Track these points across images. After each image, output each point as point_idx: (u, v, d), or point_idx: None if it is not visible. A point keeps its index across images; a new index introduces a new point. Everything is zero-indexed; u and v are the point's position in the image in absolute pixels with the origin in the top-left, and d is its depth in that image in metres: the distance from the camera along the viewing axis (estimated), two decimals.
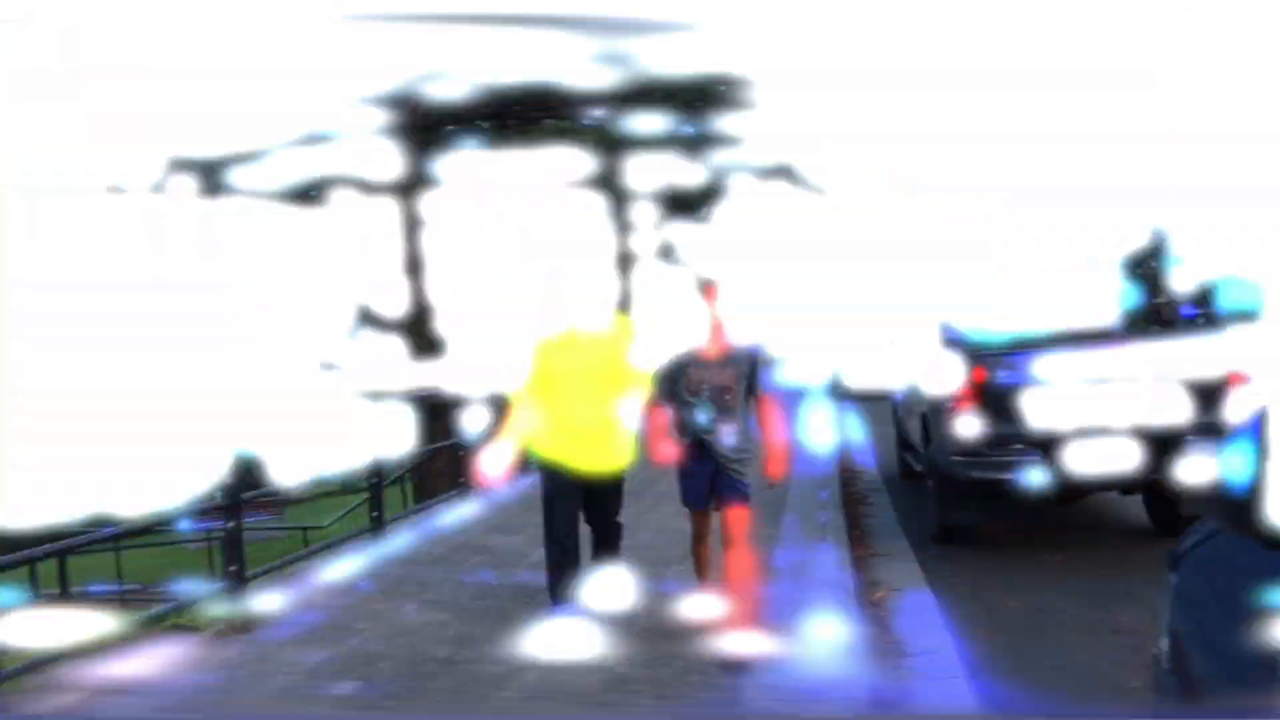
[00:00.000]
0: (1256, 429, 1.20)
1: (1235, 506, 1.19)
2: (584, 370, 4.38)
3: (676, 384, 4.23)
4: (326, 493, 21.56)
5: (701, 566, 4.60)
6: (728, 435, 4.16)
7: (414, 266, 13.99)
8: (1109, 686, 4.18)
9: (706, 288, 4.27)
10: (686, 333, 4.27)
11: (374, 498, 6.80)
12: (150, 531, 9.26)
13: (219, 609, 4.87)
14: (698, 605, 4.43)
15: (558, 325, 4.51)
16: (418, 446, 12.53)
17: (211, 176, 12.02)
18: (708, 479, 4.24)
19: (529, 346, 4.53)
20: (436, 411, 13.35)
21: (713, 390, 4.16)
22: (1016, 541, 7.07)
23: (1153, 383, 5.98)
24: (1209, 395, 5.95)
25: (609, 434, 4.43)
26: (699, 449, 4.21)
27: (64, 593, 8.38)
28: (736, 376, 4.20)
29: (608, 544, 4.73)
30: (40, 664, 4.04)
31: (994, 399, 6.13)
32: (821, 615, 4.78)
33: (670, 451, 4.25)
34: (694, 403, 4.16)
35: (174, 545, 14.07)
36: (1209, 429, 5.88)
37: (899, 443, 9.62)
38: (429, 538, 7.04)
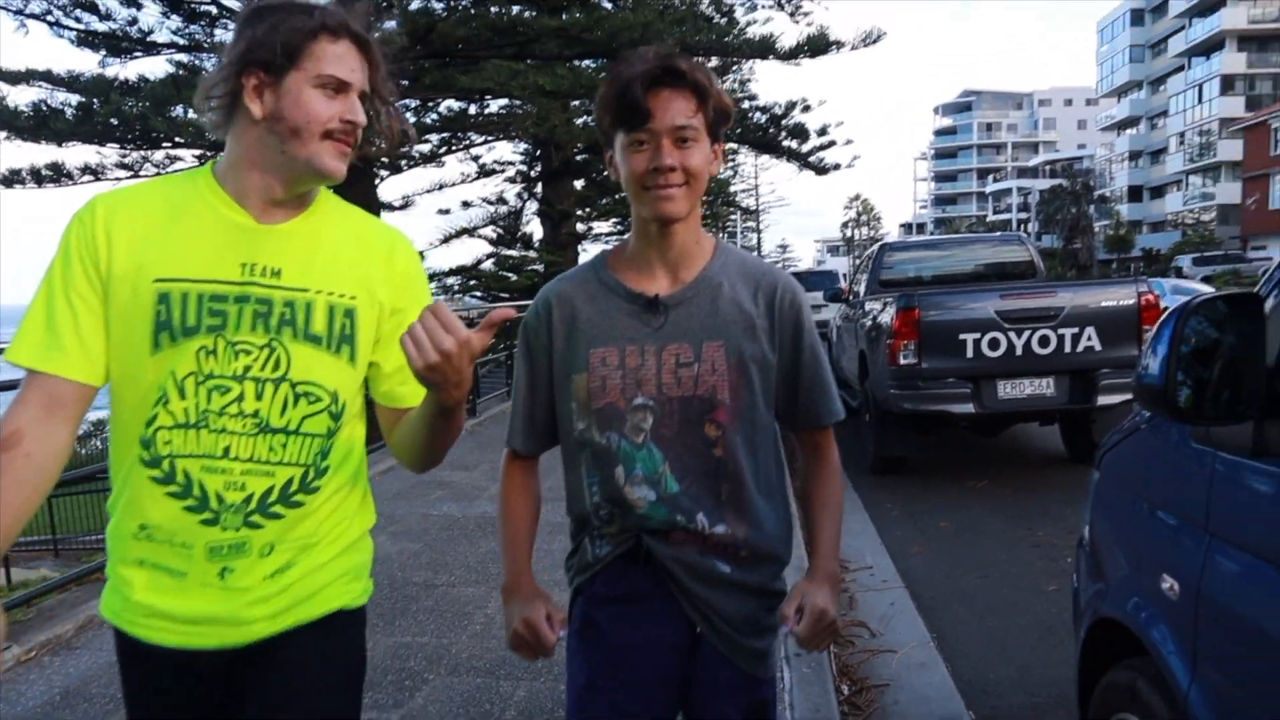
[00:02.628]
0: (1172, 324, 1.52)
1: (1151, 391, 1.50)
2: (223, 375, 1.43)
3: (545, 390, 1.63)
4: None
5: None
6: (714, 521, 1.55)
7: None
8: (1029, 590, 4.65)
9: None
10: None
11: None
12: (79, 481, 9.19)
13: None
14: None
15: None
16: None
17: None
18: (657, 670, 1.58)
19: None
20: None
21: (667, 410, 1.53)
22: (946, 470, 7.55)
23: (1070, 319, 6.42)
24: (1124, 330, 6.42)
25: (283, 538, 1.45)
26: (627, 571, 1.58)
27: None
28: (738, 363, 1.54)
29: None
30: None
31: (928, 336, 6.52)
32: None
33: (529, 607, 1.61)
34: (608, 444, 1.54)
35: (101, 494, 13.95)
36: (1123, 362, 6.38)
37: (835, 379, 10.04)
38: (386, 475, 7.23)
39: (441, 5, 16.29)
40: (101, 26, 13.02)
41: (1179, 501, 1.79)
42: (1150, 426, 1.99)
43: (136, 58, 13.90)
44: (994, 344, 6.43)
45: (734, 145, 24.00)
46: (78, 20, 12.79)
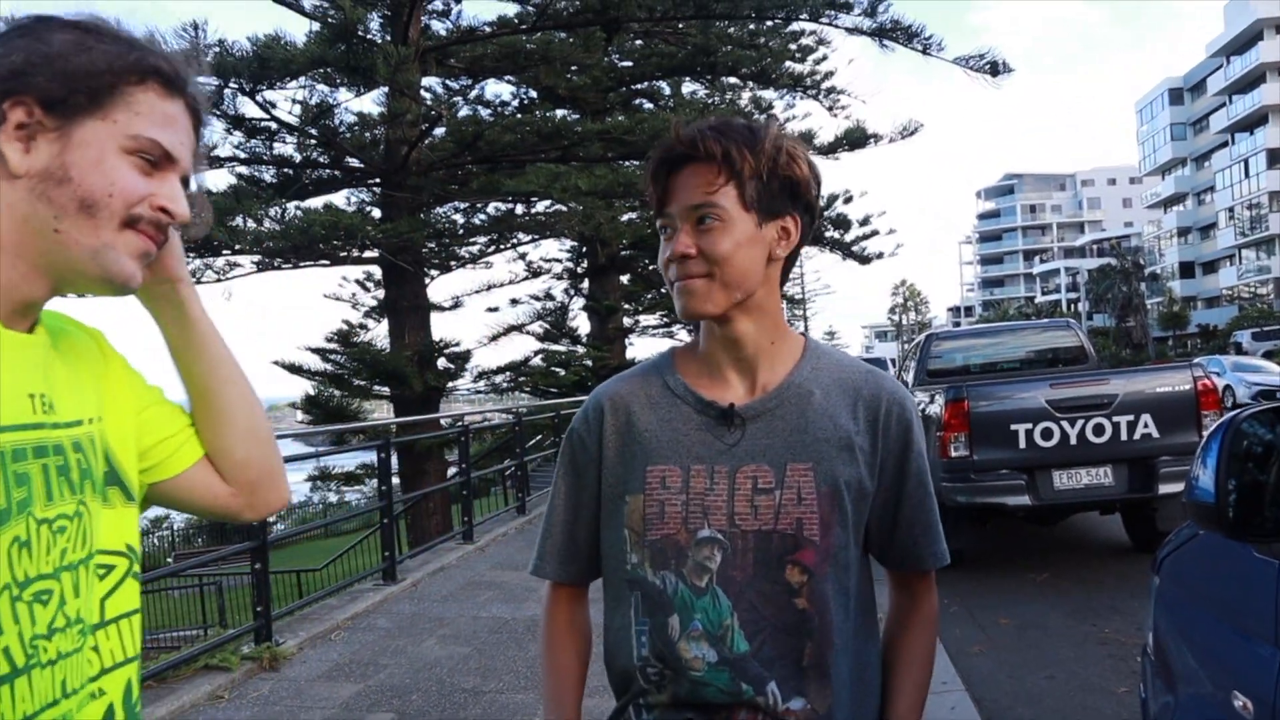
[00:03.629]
0: (1220, 437, 1.49)
1: (1204, 509, 1.47)
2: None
3: (591, 508, 1.38)
4: (309, 538, 21.65)
5: None
6: (790, 694, 1.24)
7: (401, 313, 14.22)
8: (1098, 692, 4.46)
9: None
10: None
11: (385, 537, 6.99)
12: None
13: (248, 648, 5.05)
14: None
15: None
16: (406, 490, 12.74)
17: None
18: None
19: None
20: (421, 456, 13.58)
21: (740, 546, 1.25)
22: (1005, 562, 7.34)
23: (1124, 406, 6.30)
24: (1181, 416, 6.28)
25: None
26: None
27: None
28: (831, 492, 1.27)
29: None
30: None
31: (978, 427, 6.43)
32: None
33: None
34: (662, 586, 1.27)
35: (159, 593, 14.13)
36: (1182, 449, 6.22)
37: None
38: (436, 576, 7.23)
39: (489, 113, 16.94)
40: None
41: (1245, 614, 1.73)
42: (1210, 532, 1.93)
43: (201, 171, 14.54)
44: (1047, 434, 6.31)
45: None
46: None
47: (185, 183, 1.00)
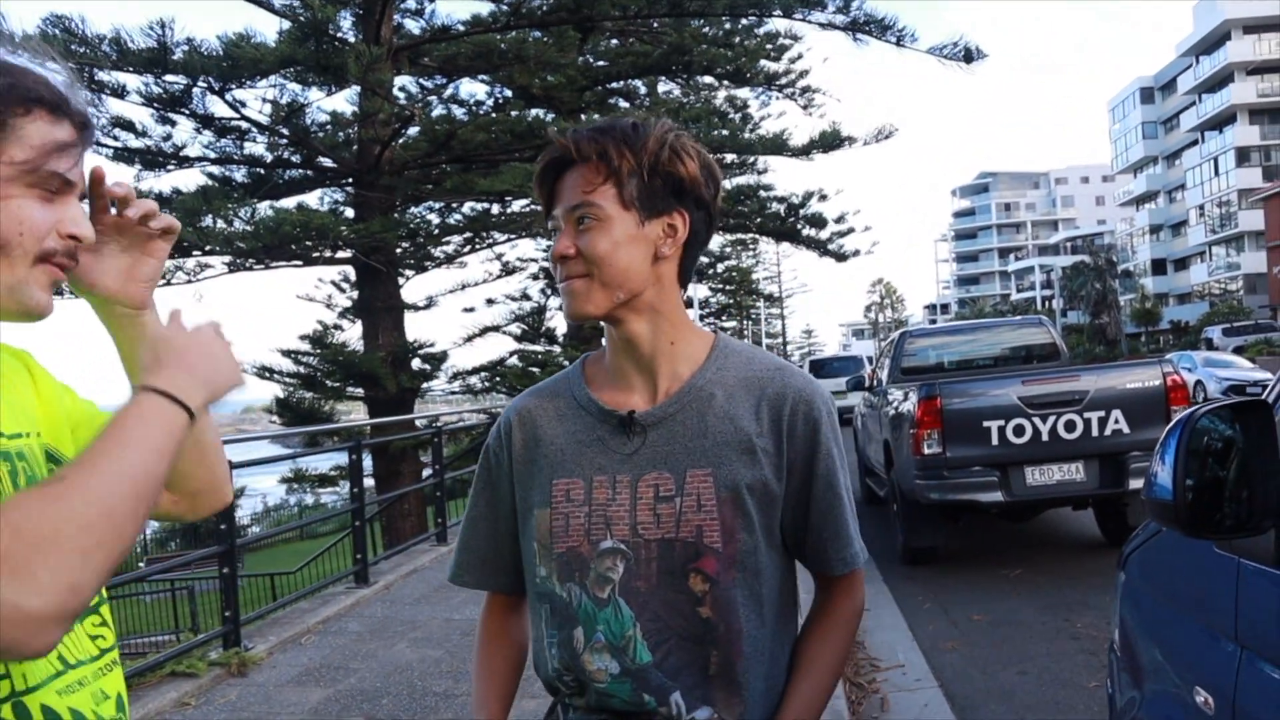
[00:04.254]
0: (1178, 434, 1.48)
1: (1162, 506, 1.46)
2: None
3: (509, 520, 1.38)
4: (284, 540, 21.49)
5: None
6: (695, 702, 1.23)
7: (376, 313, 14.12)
8: (1069, 687, 4.48)
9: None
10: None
11: (357, 540, 6.92)
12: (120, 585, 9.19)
13: (216, 654, 4.98)
14: None
15: None
16: (381, 491, 12.65)
17: None
18: None
19: None
20: (395, 457, 13.48)
21: (643, 556, 1.24)
22: (978, 558, 7.37)
23: (1095, 402, 6.34)
24: (1151, 411, 6.33)
25: None
26: None
27: None
28: (732, 498, 1.24)
29: None
30: None
31: (951, 424, 6.45)
32: None
33: None
34: (568, 599, 1.26)
35: (131, 598, 13.96)
36: (1152, 444, 6.26)
37: (861, 469, 9.94)
38: (409, 578, 7.17)
39: (463, 112, 16.84)
40: (137, 143, 13.53)
41: (1207, 609, 1.73)
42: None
43: (170, 171, 14.40)
44: (1019, 430, 6.34)
45: (754, 235, 24.28)
46: (115, 138, 13.31)
47: (82, 197, 1.00)
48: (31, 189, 0.93)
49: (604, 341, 1.35)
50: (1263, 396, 1.46)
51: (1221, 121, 58.76)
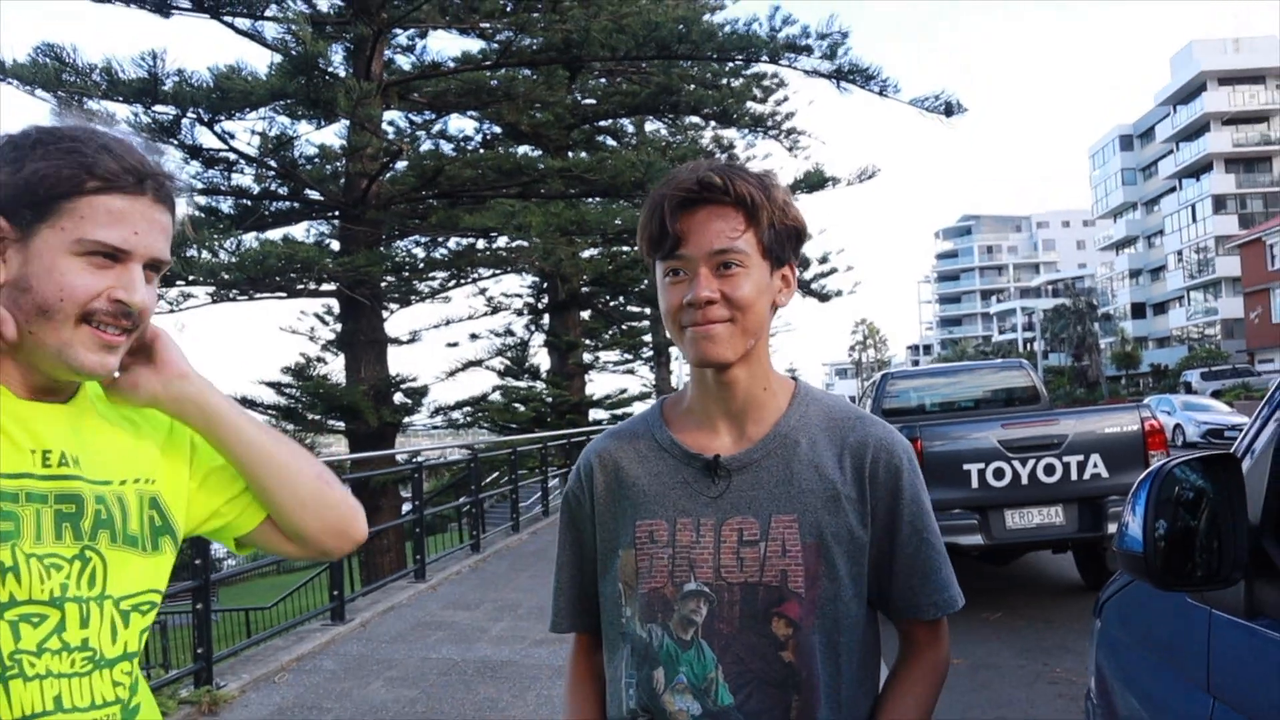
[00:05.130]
0: (1148, 485, 1.50)
1: (1133, 558, 1.47)
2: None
3: (594, 564, 1.38)
4: (260, 574, 21.18)
5: None
6: None
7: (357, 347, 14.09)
8: None
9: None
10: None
11: (334, 576, 6.84)
12: None
13: (186, 691, 4.90)
14: None
15: None
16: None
17: None
18: None
19: None
20: (375, 492, 13.39)
21: (725, 599, 1.25)
22: None
23: (1074, 446, 6.38)
24: (1129, 456, 6.37)
25: None
26: None
27: None
28: (817, 544, 1.25)
29: None
30: None
31: (931, 467, 6.46)
32: None
33: None
34: (648, 640, 1.27)
35: None
36: (1130, 488, 6.29)
37: None
38: (386, 615, 7.09)
39: (451, 148, 16.95)
40: None
41: (1180, 659, 1.73)
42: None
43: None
44: (999, 473, 6.37)
45: None
46: None
47: (157, 266, 1.08)
48: (79, 257, 1.01)
49: (662, 386, 1.37)
50: (1231, 450, 1.48)
51: (1198, 169, 59.79)
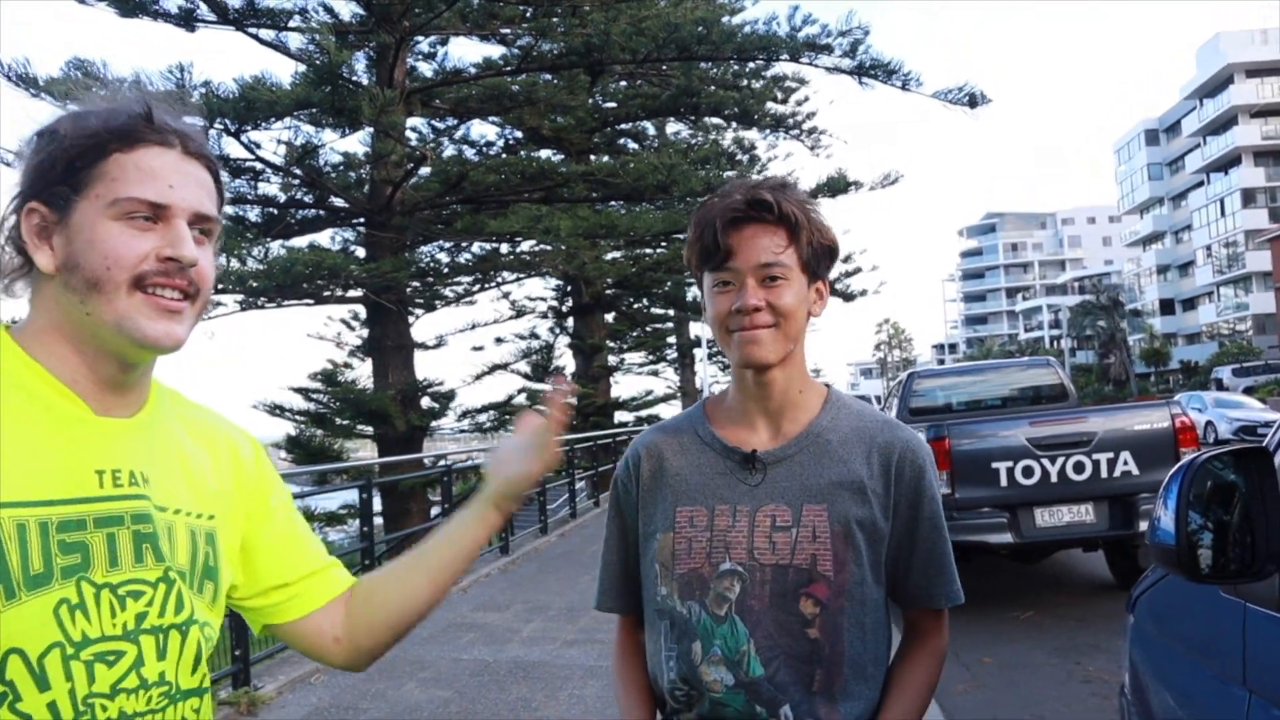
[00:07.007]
0: (1180, 479, 1.51)
1: (1166, 551, 1.49)
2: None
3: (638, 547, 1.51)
4: None
5: None
6: (803, 715, 1.35)
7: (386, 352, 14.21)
8: None
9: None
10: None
11: None
12: None
13: (225, 693, 4.98)
14: None
15: None
16: (390, 530, 12.64)
17: None
18: None
19: None
20: (405, 496, 13.49)
21: (757, 579, 1.36)
22: (988, 600, 7.33)
23: (1104, 444, 6.34)
24: (1160, 453, 6.32)
25: None
26: None
27: None
28: (844, 532, 1.37)
29: None
30: None
31: (960, 465, 6.45)
32: None
33: None
34: (687, 615, 1.38)
35: None
36: (1160, 485, 6.25)
37: None
38: None
39: (474, 153, 17.06)
40: None
41: (1215, 654, 1.74)
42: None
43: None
44: (1028, 471, 6.34)
45: None
46: None
47: (206, 227, 1.02)
48: (119, 220, 0.96)
49: (705, 389, 1.45)
50: (1264, 444, 1.49)
51: (1226, 163, 59.03)
